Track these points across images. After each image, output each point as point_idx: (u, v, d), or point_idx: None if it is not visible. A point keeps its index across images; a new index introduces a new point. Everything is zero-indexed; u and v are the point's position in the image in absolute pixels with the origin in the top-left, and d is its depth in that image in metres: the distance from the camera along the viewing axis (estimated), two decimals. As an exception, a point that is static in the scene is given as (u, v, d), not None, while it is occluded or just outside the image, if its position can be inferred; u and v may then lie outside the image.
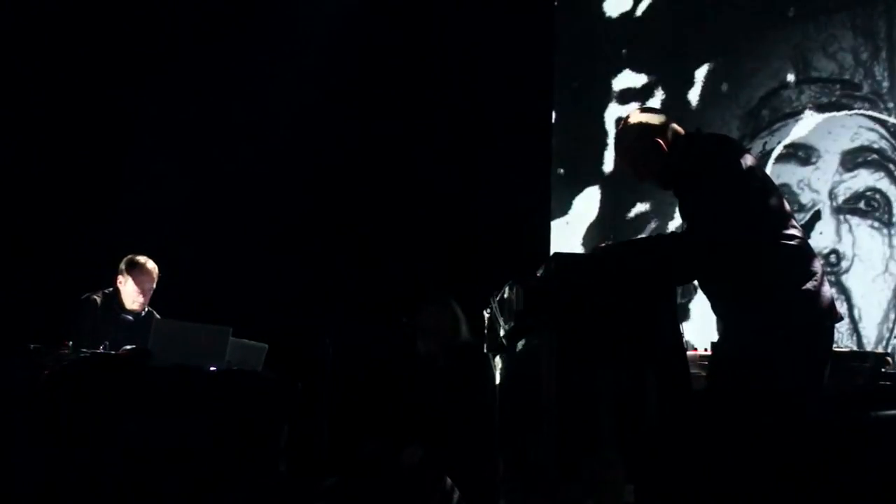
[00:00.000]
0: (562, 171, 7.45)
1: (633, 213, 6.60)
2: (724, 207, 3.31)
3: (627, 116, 3.63)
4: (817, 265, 3.37)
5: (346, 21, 7.37)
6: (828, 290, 3.36)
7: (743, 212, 3.32)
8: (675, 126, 3.56)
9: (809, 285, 3.29)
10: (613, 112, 6.97)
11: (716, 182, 3.36)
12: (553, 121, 7.55)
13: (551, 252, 6.70)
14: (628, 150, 3.59)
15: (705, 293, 3.54)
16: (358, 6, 7.38)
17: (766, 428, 3.21)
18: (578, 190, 7.25)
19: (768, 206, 3.38)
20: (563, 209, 7.34)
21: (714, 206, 3.33)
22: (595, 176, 7.08)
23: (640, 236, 3.81)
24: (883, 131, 5.38)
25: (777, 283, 3.31)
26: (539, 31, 7.60)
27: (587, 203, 7.14)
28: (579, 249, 6.80)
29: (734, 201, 3.32)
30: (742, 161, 3.40)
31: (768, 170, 5.69)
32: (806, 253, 3.38)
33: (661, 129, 3.52)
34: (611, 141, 6.73)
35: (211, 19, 7.07)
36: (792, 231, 3.37)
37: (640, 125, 3.56)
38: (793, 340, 3.26)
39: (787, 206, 3.49)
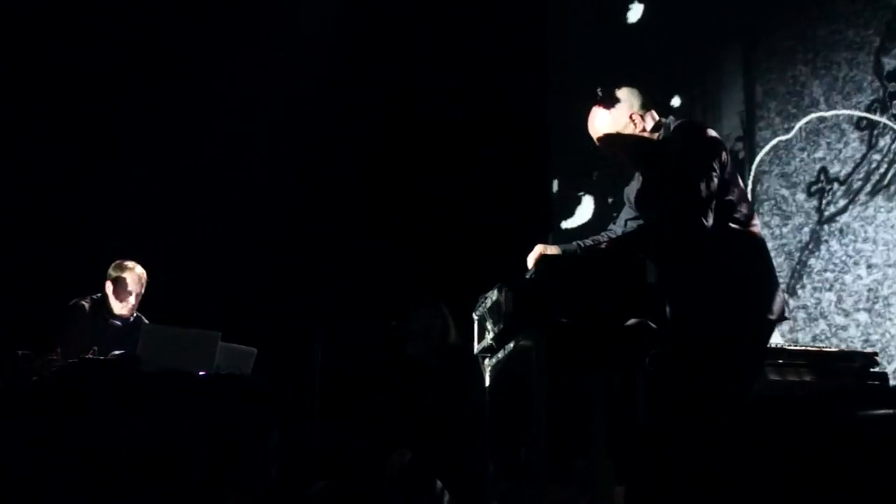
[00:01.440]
0: (556, 182, 7.48)
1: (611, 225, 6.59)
2: (695, 192, 3.35)
3: (605, 90, 3.66)
4: (769, 261, 3.46)
5: (339, 22, 7.37)
6: (776, 286, 3.44)
7: (713, 199, 3.36)
8: (651, 107, 3.60)
9: (757, 276, 3.39)
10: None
11: (690, 167, 3.40)
12: (548, 121, 7.57)
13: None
14: (602, 122, 3.61)
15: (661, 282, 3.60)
16: (353, 7, 7.39)
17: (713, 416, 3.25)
18: (574, 190, 7.26)
19: (732, 197, 3.44)
20: (557, 210, 7.35)
21: (685, 190, 3.37)
22: (591, 176, 7.08)
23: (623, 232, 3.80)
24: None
25: (724, 273, 3.37)
26: (535, 32, 7.63)
27: (584, 204, 7.14)
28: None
29: (704, 188, 3.35)
30: (717, 151, 3.44)
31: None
32: (759, 246, 3.46)
33: (637, 107, 3.57)
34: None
35: (201, 23, 7.06)
36: (751, 223, 3.46)
37: (617, 100, 3.60)
38: (729, 331, 3.32)
39: (748, 202, 3.55)
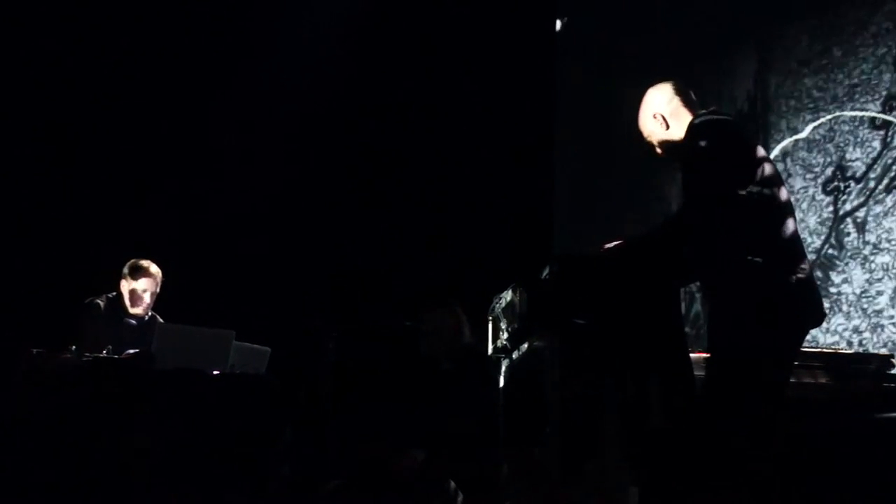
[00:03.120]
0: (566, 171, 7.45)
1: (640, 211, 6.59)
2: (705, 188, 3.33)
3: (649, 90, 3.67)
4: (805, 261, 3.39)
5: (347, 21, 7.38)
6: (812, 287, 3.39)
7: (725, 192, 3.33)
8: (683, 102, 3.56)
9: (793, 279, 3.31)
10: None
11: (715, 166, 3.36)
12: (556, 119, 7.56)
13: (555, 254, 6.69)
14: (639, 122, 3.64)
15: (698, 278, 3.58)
16: (359, 5, 7.41)
17: (754, 419, 3.23)
18: (584, 188, 7.25)
19: (764, 202, 3.38)
20: (568, 209, 7.34)
21: (707, 186, 3.34)
22: (600, 174, 7.07)
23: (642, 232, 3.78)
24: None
25: (745, 274, 3.31)
26: (541, 28, 7.62)
27: (592, 202, 7.13)
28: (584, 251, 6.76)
29: (714, 184, 3.33)
30: (731, 144, 3.42)
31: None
32: (795, 246, 3.40)
33: (663, 105, 3.56)
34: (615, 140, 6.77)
35: (217, 22, 7.08)
36: (781, 215, 3.39)
37: (648, 99, 3.62)
38: (765, 331, 3.27)
39: (785, 200, 3.46)
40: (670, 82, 3.63)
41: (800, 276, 3.30)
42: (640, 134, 3.67)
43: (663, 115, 3.55)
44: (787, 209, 3.43)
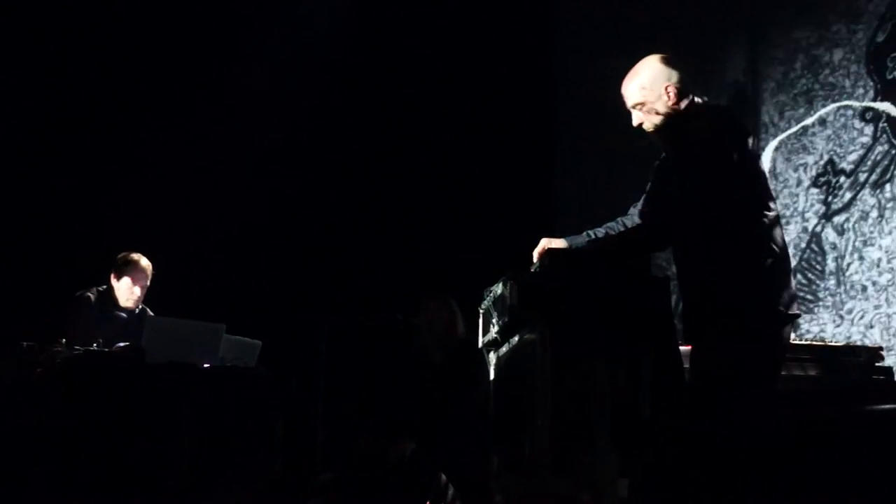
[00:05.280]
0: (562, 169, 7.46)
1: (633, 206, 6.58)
2: (717, 182, 3.33)
3: (649, 57, 3.60)
4: (780, 255, 3.41)
5: (345, 17, 7.37)
6: (787, 283, 3.41)
7: (732, 188, 3.34)
8: (687, 85, 3.53)
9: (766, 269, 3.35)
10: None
11: (716, 157, 3.37)
12: (554, 114, 7.57)
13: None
14: (638, 87, 3.54)
15: (677, 269, 3.59)
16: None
17: (733, 412, 3.26)
18: (579, 182, 7.25)
19: (756, 190, 3.41)
20: (563, 202, 7.34)
21: (708, 178, 3.35)
22: (596, 169, 7.08)
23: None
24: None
25: (733, 265, 3.35)
26: (539, 19, 7.64)
27: (588, 196, 7.13)
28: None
29: (727, 179, 3.34)
30: (744, 141, 3.42)
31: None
32: (772, 238, 3.42)
33: (675, 78, 3.51)
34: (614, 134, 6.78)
35: (209, 18, 7.06)
36: (767, 213, 3.42)
37: (658, 67, 3.54)
38: (737, 324, 3.31)
39: (772, 196, 3.50)
40: (672, 57, 3.59)
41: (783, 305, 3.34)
42: (634, 99, 3.56)
43: (676, 88, 3.48)
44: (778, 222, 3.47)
